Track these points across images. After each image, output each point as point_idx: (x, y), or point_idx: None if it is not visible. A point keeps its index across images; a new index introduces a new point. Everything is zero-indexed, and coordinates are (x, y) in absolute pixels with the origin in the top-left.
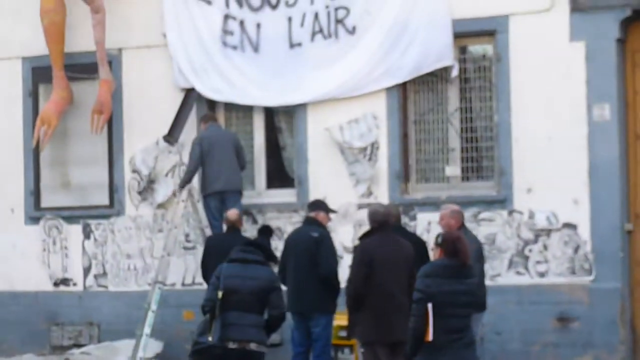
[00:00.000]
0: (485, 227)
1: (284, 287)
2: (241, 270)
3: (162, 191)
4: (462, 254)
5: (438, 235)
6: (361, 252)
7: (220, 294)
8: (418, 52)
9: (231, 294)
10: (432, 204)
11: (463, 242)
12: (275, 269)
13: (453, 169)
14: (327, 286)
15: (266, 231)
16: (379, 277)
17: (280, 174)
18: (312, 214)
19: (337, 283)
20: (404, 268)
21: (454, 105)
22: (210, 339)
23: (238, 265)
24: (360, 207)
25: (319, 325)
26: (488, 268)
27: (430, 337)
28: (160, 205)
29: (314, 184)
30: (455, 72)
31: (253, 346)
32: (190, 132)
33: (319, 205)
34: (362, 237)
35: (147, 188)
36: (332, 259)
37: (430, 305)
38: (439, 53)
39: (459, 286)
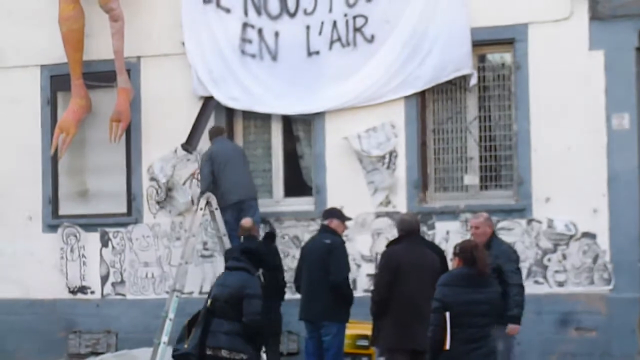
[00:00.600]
0: (504, 236)
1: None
2: (225, 278)
3: (181, 199)
4: (480, 263)
5: (456, 245)
6: (387, 259)
7: (209, 302)
8: (437, 60)
9: (215, 302)
10: (450, 213)
11: (481, 251)
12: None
13: (472, 178)
14: (338, 294)
15: (268, 237)
16: (403, 285)
17: (298, 183)
18: (326, 222)
19: (350, 291)
20: (429, 277)
21: (472, 114)
22: (185, 346)
23: (226, 273)
24: (378, 216)
25: (329, 334)
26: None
27: (447, 346)
28: (179, 214)
29: (332, 192)
30: (474, 81)
31: (224, 353)
32: (208, 140)
33: (333, 213)
34: (389, 245)
35: (165, 197)
36: (344, 266)
37: (448, 315)
38: (458, 62)
39: (477, 295)
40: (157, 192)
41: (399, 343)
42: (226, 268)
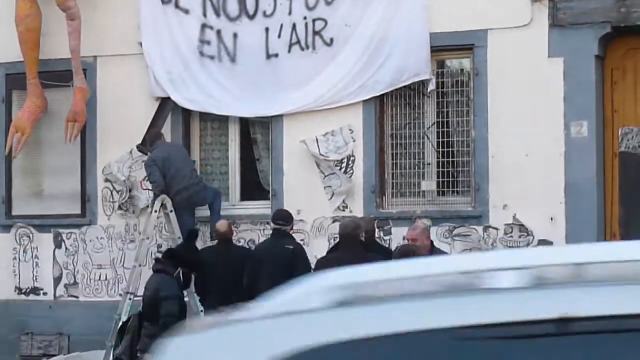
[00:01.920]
0: (461, 242)
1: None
2: (147, 282)
3: (142, 200)
4: None
5: (396, 249)
6: (316, 269)
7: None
8: (396, 65)
9: (143, 306)
10: (407, 219)
11: (417, 256)
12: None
13: (429, 184)
14: None
15: (191, 235)
16: None
17: (254, 186)
18: (286, 227)
19: None
20: None
21: (430, 119)
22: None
23: (150, 276)
24: (335, 220)
25: None
26: None
27: None
28: (135, 215)
29: (289, 196)
30: (432, 86)
31: (147, 357)
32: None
33: (291, 218)
34: (328, 252)
35: (128, 197)
36: (309, 271)
37: None
38: (417, 67)
39: None
40: (118, 194)
41: None
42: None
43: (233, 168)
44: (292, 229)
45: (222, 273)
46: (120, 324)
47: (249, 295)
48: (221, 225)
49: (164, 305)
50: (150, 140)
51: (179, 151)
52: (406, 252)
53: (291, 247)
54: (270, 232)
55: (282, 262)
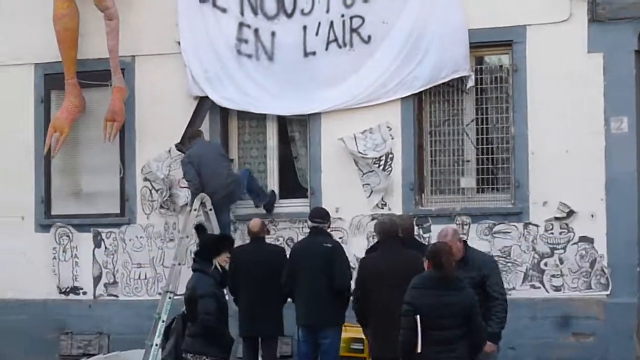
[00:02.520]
0: (501, 240)
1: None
2: (188, 281)
3: (181, 198)
4: (445, 266)
5: (428, 248)
6: (358, 270)
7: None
8: (434, 62)
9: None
10: (446, 216)
11: (447, 254)
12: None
13: (468, 181)
14: (338, 298)
15: (200, 229)
16: (375, 295)
17: (293, 184)
18: (324, 225)
19: (350, 295)
20: (405, 282)
21: (469, 116)
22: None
23: (191, 276)
24: (373, 218)
25: (328, 337)
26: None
27: (419, 349)
28: (172, 214)
29: (327, 194)
30: (471, 83)
31: (189, 356)
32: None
33: (328, 216)
34: (367, 252)
35: (169, 195)
36: (348, 270)
37: (418, 318)
38: (455, 63)
39: (447, 298)
40: (157, 192)
41: (380, 352)
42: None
43: (271, 166)
44: (329, 227)
45: (253, 272)
46: (165, 325)
47: (288, 294)
48: (254, 224)
49: (200, 304)
50: (189, 138)
51: (215, 149)
52: (433, 251)
53: (329, 245)
54: (308, 230)
55: (320, 260)
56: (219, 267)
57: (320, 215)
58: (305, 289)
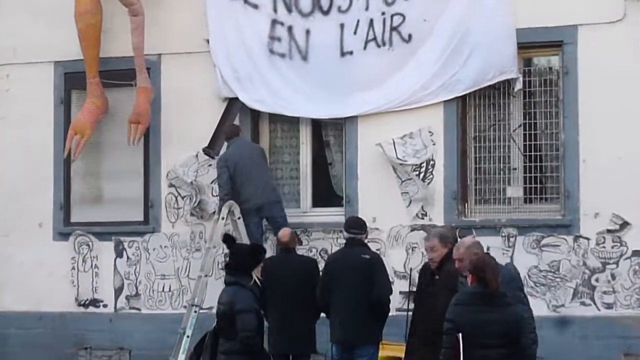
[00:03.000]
0: (549, 253)
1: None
2: (220, 295)
3: (210, 206)
4: (490, 281)
5: (470, 261)
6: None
7: (215, 321)
8: (479, 63)
9: (217, 322)
10: (491, 228)
11: (492, 268)
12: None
13: (515, 190)
14: (377, 313)
15: (229, 240)
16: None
17: (327, 192)
18: (361, 235)
19: (389, 310)
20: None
21: (517, 121)
22: None
23: (223, 289)
24: (412, 229)
25: (364, 355)
26: (550, 297)
27: None
28: (199, 222)
29: (364, 203)
30: (519, 86)
31: None
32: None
33: (365, 226)
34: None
35: (198, 202)
36: (388, 283)
37: (460, 336)
38: (502, 65)
39: (490, 315)
40: (183, 199)
41: None
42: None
43: (304, 172)
44: (367, 237)
45: (283, 285)
46: (195, 341)
47: (323, 309)
48: (283, 234)
49: (239, 320)
50: (226, 135)
51: (254, 153)
52: (476, 265)
53: (368, 256)
54: (344, 241)
55: (358, 272)
56: (257, 281)
57: (357, 226)
58: (341, 304)
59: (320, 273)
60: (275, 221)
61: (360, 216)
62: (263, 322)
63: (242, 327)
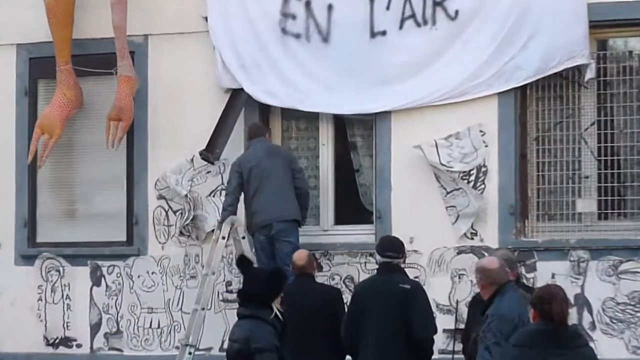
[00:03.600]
0: (629, 282)
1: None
2: (232, 331)
3: (208, 222)
4: (558, 317)
5: (534, 293)
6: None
7: None
8: (542, 46)
9: None
10: (557, 250)
11: (561, 301)
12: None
13: (587, 204)
14: (418, 355)
15: (243, 263)
16: None
17: (353, 206)
18: (398, 260)
19: (432, 353)
20: None
21: (589, 118)
22: None
23: (235, 324)
24: (460, 252)
25: None
26: (630, 336)
27: None
28: (195, 244)
29: (398, 219)
30: (591, 74)
31: None
32: (236, 146)
33: (402, 247)
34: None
35: (192, 218)
36: (431, 318)
37: None
38: (570, 48)
39: (559, 358)
40: (175, 214)
41: None
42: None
43: (325, 181)
44: (404, 262)
45: (297, 318)
46: None
47: (349, 350)
48: (299, 257)
49: None
50: (249, 134)
51: (278, 159)
52: (548, 297)
53: (407, 286)
54: (376, 266)
55: (395, 307)
56: (279, 314)
57: (393, 247)
58: (373, 343)
59: (346, 306)
60: (278, 244)
61: (395, 235)
62: None
63: None
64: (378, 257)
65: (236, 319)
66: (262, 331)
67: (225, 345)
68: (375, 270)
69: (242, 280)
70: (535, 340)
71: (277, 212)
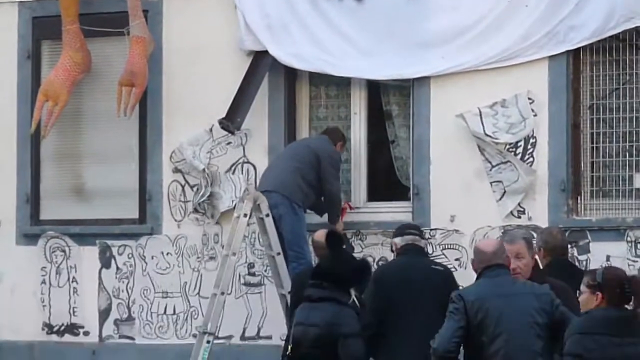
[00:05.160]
0: None
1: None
2: (307, 315)
3: (226, 199)
4: (637, 300)
5: (595, 273)
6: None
7: (289, 348)
8: (598, 4)
9: (297, 348)
10: (613, 230)
11: (636, 284)
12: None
13: None
14: None
15: (334, 241)
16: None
17: (388, 180)
18: (422, 242)
19: None
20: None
21: None
22: None
23: (308, 306)
24: (506, 231)
25: None
26: None
27: None
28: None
29: (438, 196)
30: None
31: None
32: (259, 115)
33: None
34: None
35: (209, 195)
36: None
37: None
38: (630, 7)
39: (631, 348)
40: (193, 190)
41: None
42: (306, 299)
43: (357, 154)
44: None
45: None
46: None
47: (374, 344)
48: (320, 235)
49: (348, 346)
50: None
51: (307, 140)
52: (611, 278)
53: (441, 268)
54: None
55: (432, 292)
56: (356, 301)
57: (414, 227)
58: (406, 332)
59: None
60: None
61: (433, 214)
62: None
63: (350, 355)
64: (399, 239)
65: (261, 306)
66: (348, 316)
67: (248, 333)
68: (397, 255)
69: (323, 259)
70: (603, 327)
71: (272, 183)
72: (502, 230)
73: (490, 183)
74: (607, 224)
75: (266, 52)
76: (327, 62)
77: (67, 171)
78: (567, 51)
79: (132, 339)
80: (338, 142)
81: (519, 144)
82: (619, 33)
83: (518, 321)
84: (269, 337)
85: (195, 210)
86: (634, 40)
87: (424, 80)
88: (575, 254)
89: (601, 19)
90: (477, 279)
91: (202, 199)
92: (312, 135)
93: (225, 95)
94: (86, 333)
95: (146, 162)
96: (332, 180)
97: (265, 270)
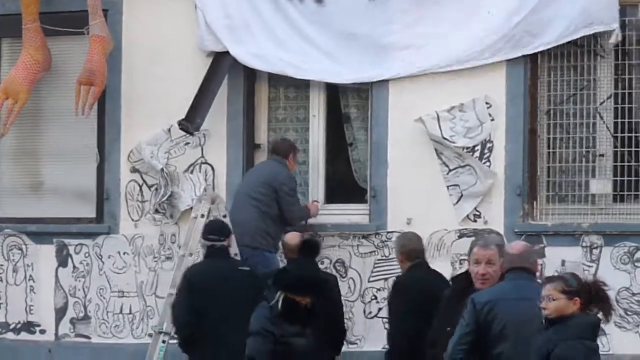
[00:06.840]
0: None
1: None
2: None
3: (184, 199)
4: (607, 305)
5: (570, 279)
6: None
7: None
8: (558, 10)
9: None
10: (569, 235)
11: (604, 289)
12: None
13: (602, 184)
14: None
15: (309, 250)
16: None
17: (346, 183)
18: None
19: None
20: None
21: (606, 90)
22: None
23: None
24: (461, 235)
25: None
26: None
27: None
28: (173, 220)
29: (395, 198)
30: (614, 40)
31: None
32: (218, 115)
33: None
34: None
35: (169, 195)
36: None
37: None
38: (591, 13)
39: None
40: (150, 190)
41: None
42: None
43: (315, 156)
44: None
45: None
46: None
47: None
48: (291, 238)
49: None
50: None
51: (259, 170)
52: (586, 283)
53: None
54: (370, 248)
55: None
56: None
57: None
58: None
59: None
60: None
61: (383, 215)
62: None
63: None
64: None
65: None
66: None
67: None
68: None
69: (291, 265)
70: (596, 334)
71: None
72: (475, 234)
73: (447, 187)
74: (563, 228)
75: (226, 52)
76: (289, 64)
77: (25, 169)
78: (525, 56)
79: (89, 337)
80: (289, 154)
81: (475, 148)
82: (577, 39)
83: (527, 326)
84: None
85: (156, 211)
86: (592, 46)
87: (382, 84)
88: None
89: (560, 24)
90: (499, 280)
91: (162, 199)
92: (267, 149)
93: (184, 95)
94: (42, 331)
95: (104, 161)
96: (291, 207)
97: None
